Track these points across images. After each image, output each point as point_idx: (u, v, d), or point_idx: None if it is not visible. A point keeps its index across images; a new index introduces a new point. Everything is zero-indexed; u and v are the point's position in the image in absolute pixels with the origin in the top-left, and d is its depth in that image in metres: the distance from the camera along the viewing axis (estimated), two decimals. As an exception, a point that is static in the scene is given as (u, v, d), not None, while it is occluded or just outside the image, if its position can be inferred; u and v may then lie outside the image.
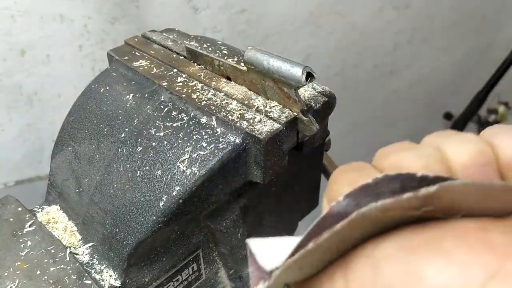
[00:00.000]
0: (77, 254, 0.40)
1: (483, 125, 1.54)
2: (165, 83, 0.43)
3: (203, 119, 0.39)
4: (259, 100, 0.40)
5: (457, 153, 0.20)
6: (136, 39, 0.52)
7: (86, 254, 0.40)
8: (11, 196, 0.43)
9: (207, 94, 0.41)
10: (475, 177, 0.20)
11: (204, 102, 0.40)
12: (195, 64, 0.46)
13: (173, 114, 0.40)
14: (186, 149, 0.37)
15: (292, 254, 0.19)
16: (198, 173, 0.35)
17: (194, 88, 0.42)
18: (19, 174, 0.88)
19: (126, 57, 0.48)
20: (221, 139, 0.37)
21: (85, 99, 0.46)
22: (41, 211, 0.44)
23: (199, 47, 0.47)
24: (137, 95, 0.43)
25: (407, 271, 0.17)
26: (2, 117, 0.82)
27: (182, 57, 0.48)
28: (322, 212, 0.19)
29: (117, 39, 0.84)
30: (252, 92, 0.41)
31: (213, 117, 0.38)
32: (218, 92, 0.41)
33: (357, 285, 0.18)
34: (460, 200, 0.19)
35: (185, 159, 0.36)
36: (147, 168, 0.38)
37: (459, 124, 1.49)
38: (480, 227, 0.17)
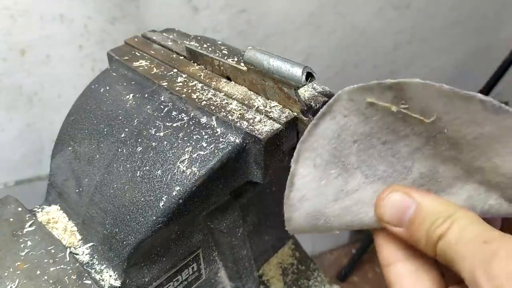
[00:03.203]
0: (77, 254, 0.40)
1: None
2: (165, 83, 0.43)
3: (203, 119, 0.39)
4: (259, 100, 0.40)
5: None
6: (136, 39, 0.52)
7: (86, 254, 0.40)
8: (11, 196, 0.43)
9: (207, 94, 0.41)
10: None
11: (204, 102, 0.40)
12: (195, 64, 0.46)
13: (173, 114, 0.40)
14: (186, 149, 0.37)
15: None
16: (198, 173, 0.35)
17: (194, 88, 0.42)
18: (19, 174, 0.88)
19: (126, 57, 0.48)
20: (221, 139, 0.37)
21: (85, 99, 0.46)
22: (41, 211, 0.44)
23: (199, 47, 0.47)
24: (137, 95, 0.43)
25: None
26: (2, 117, 0.82)
27: (182, 57, 0.48)
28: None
29: (117, 39, 0.84)
30: (252, 92, 0.41)
31: (213, 117, 0.38)
32: (218, 92, 0.41)
33: None
34: (428, 102, 0.25)
35: (185, 159, 0.36)
36: (147, 168, 0.38)
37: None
38: None
